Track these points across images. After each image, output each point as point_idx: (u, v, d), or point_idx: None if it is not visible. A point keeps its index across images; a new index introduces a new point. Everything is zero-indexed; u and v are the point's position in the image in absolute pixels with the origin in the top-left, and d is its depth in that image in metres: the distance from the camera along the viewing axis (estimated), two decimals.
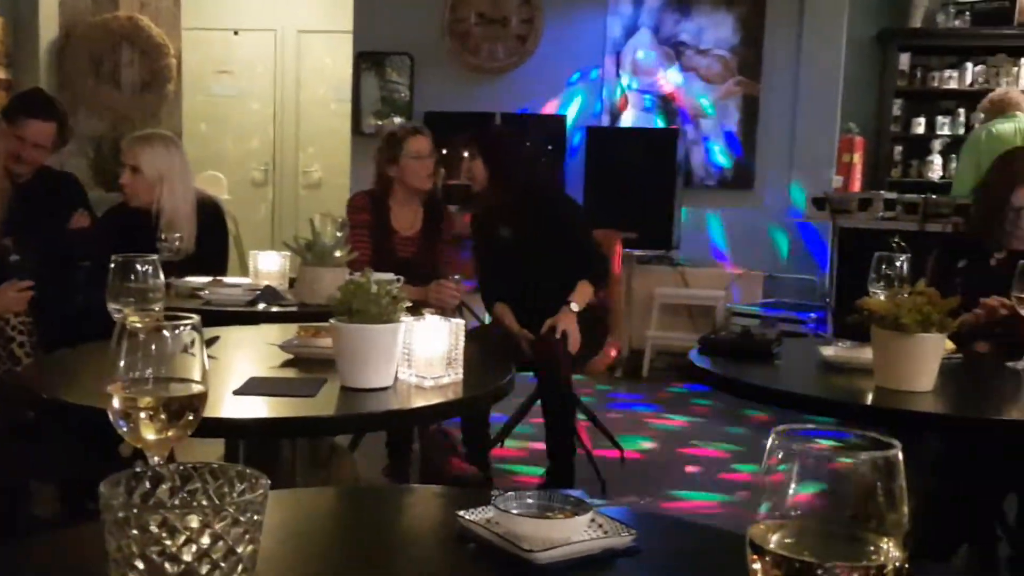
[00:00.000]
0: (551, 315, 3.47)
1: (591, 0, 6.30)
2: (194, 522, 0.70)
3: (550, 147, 6.20)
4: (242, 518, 0.73)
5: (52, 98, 3.84)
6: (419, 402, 1.92)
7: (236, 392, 1.86)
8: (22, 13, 6.71)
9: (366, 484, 3.56)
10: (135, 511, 0.70)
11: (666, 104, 6.33)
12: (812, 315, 5.46)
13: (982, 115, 5.76)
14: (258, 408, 1.82)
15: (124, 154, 3.57)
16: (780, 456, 0.72)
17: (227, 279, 3.38)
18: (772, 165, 6.22)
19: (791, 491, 0.72)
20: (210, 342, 2.28)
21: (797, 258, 6.19)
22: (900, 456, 0.69)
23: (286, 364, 2.19)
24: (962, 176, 5.51)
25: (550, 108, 6.39)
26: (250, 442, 2.67)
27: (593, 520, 1.18)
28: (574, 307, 3.49)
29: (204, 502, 0.77)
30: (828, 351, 2.31)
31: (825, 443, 0.73)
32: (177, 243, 3.31)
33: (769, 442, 0.73)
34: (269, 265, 3.39)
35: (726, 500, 3.73)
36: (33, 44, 6.76)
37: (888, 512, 0.68)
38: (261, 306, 2.99)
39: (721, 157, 6.29)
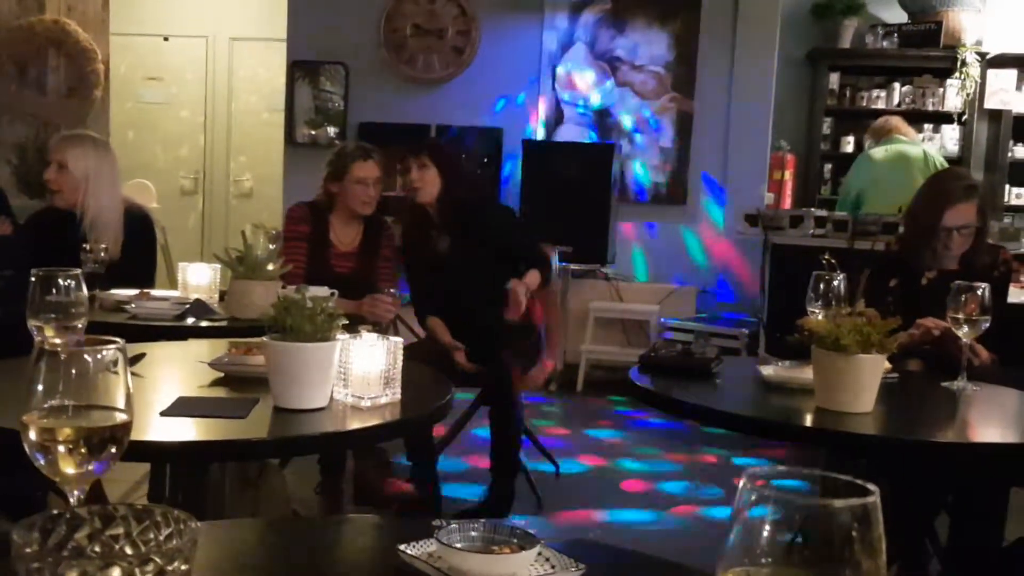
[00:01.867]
0: (485, 328, 3.43)
1: (527, 14, 6.31)
2: (116, 572, 0.64)
3: (485, 159, 6.18)
4: (169, 567, 0.67)
5: None
6: (356, 423, 1.86)
7: (163, 413, 1.78)
8: None
9: (298, 503, 3.48)
10: (50, 560, 0.64)
11: (601, 119, 6.35)
12: (745, 331, 5.51)
13: (868, 140, 5.93)
14: (186, 431, 1.74)
15: (51, 151, 3.48)
16: (753, 499, 0.68)
17: (154, 292, 3.27)
18: (705, 181, 6.27)
19: (764, 537, 0.68)
20: (135, 359, 2.19)
21: (729, 274, 6.25)
22: (878, 503, 0.65)
23: (216, 383, 2.10)
24: (846, 193, 5.70)
25: (486, 120, 6.37)
26: (175, 465, 2.58)
27: (540, 554, 1.14)
28: (523, 283, 3.48)
29: (128, 550, 0.71)
30: (767, 370, 2.30)
31: (799, 488, 0.70)
32: (103, 253, 3.20)
33: (740, 485, 0.69)
34: (199, 278, 3.29)
35: (661, 518, 3.72)
36: None
37: (865, 560, 0.65)
38: (190, 321, 2.89)
39: (655, 172, 6.33)
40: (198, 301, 3.03)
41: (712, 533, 3.48)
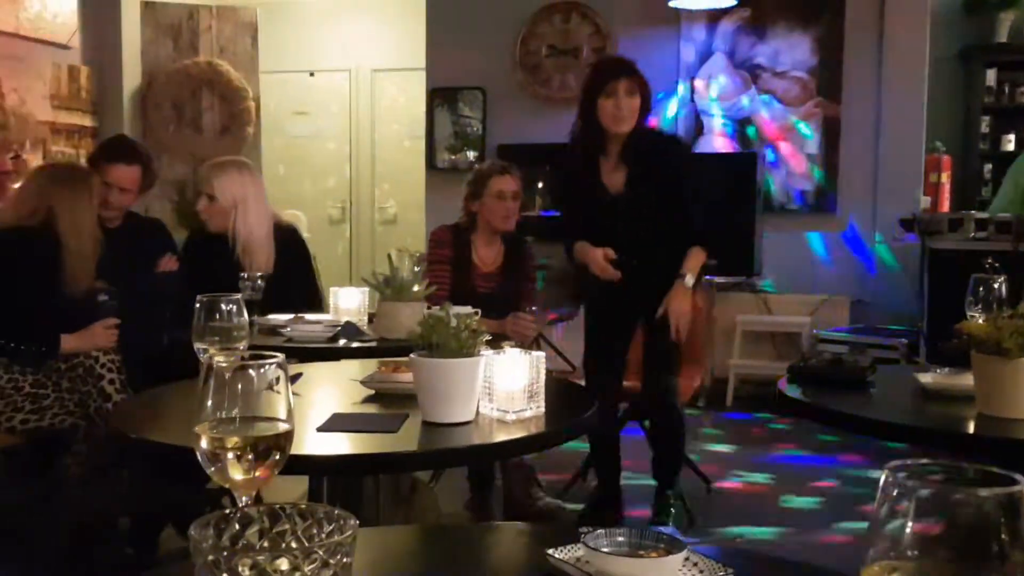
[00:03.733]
0: (641, 273, 3.40)
1: (663, 27, 6.28)
2: (284, 565, 0.68)
3: None
4: (332, 560, 0.71)
5: (135, 143, 3.95)
6: (501, 436, 1.90)
7: (320, 429, 1.86)
8: (106, 62, 6.93)
9: (448, 519, 3.55)
10: (225, 554, 0.69)
11: (743, 128, 6.26)
12: (903, 340, 5.30)
13: None
14: (342, 445, 1.81)
15: (200, 182, 3.68)
16: (895, 493, 0.68)
17: (308, 316, 3.41)
18: (856, 187, 6.08)
19: (907, 530, 0.67)
20: (294, 379, 2.29)
21: (885, 282, 6.03)
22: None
23: (368, 400, 2.18)
24: (1002, 196, 5.37)
25: None
26: (334, 478, 2.68)
27: (687, 559, 1.14)
28: (688, 280, 3.35)
29: (294, 544, 0.75)
30: (926, 378, 2.22)
31: (943, 479, 0.69)
32: (260, 281, 3.35)
33: (883, 478, 0.69)
34: (349, 301, 3.41)
35: (816, 531, 3.62)
36: (117, 92, 6.97)
37: (1013, 552, 0.63)
38: (342, 342, 3.00)
39: (802, 180, 6.19)
40: (349, 323, 3.15)
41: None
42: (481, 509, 3.61)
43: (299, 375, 2.41)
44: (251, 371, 1.02)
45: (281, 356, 1.05)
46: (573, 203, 3.65)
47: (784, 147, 6.20)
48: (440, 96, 6.67)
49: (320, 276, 6.94)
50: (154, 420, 2.16)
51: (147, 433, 1.95)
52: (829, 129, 6.12)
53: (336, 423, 1.91)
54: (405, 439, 1.85)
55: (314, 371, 2.53)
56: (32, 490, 3.51)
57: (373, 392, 2.23)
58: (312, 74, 8.54)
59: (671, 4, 5.95)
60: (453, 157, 6.67)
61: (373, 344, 3.00)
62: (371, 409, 2.11)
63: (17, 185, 4.93)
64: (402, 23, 7.98)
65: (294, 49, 8.38)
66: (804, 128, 6.16)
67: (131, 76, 7.04)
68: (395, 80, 8.37)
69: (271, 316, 3.26)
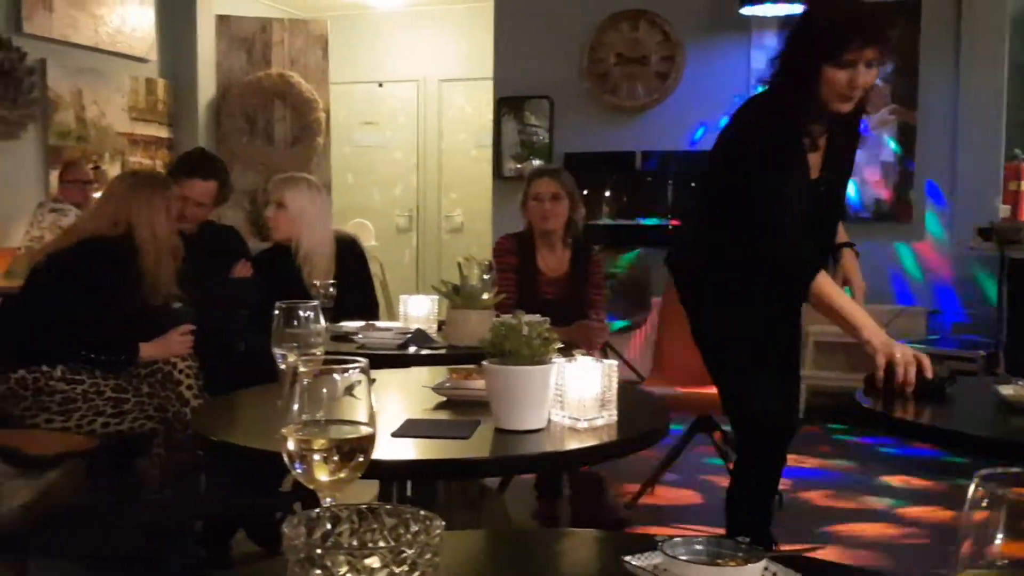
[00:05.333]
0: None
1: (734, 34, 6.23)
2: (375, 563, 0.70)
3: (693, 184, 6.13)
4: (420, 560, 0.73)
5: (213, 158, 4.04)
6: (573, 444, 1.90)
7: (394, 434, 1.88)
8: (182, 75, 7.11)
9: (516, 528, 3.55)
10: (318, 551, 0.71)
11: None
12: (981, 352, 5.18)
13: None
14: (415, 450, 1.83)
15: (271, 191, 3.80)
16: (985, 503, 0.67)
17: (378, 323, 3.46)
18: (932, 195, 5.96)
19: (997, 540, 0.66)
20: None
21: (962, 292, 5.89)
22: None
23: (439, 406, 2.20)
24: None
25: (692, 145, 6.31)
26: (403, 484, 2.71)
27: (767, 568, 1.13)
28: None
29: (382, 543, 0.77)
30: (1007, 390, 2.17)
31: None
32: (332, 289, 3.41)
33: (972, 487, 0.68)
34: (418, 309, 3.45)
35: (892, 544, 3.56)
36: (192, 104, 7.14)
37: None
38: (412, 349, 3.03)
39: (876, 188, 6.08)
40: (418, 331, 3.18)
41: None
42: (549, 519, 3.61)
43: (372, 381, 2.44)
44: (335, 375, 1.05)
45: (364, 360, 1.07)
46: (786, 190, 2.55)
47: (858, 155, 6.08)
48: (507, 105, 6.71)
49: (387, 285, 7.03)
50: (233, 424, 2.21)
51: (227, 436, 1.99)
52: (905, 136, 6.01)
53: (409, 429, 1.94)
54: (477, 445, 1.87)
55: (385, 377, 2.56)
56: (111, 492, 3.61)
57: (445, 399, 2.25)
58: (380, 85, 8.65)
59: (742, 11, 5.91)
60: (519, 166, 6.70)
61: (442, 351, 3.03)
62: (443, 415, 2.13)
63: (97, 195, 5.08)
64: (469, 33, 8.04)
65: (363, 60, 8.50)
66: (879, 135, 6.06)
67: (206, 88, 7.21)
68: (462, 90, 8.43)
69: (343, 323, 3.32)
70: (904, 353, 2.21)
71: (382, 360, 2.91)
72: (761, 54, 6.18)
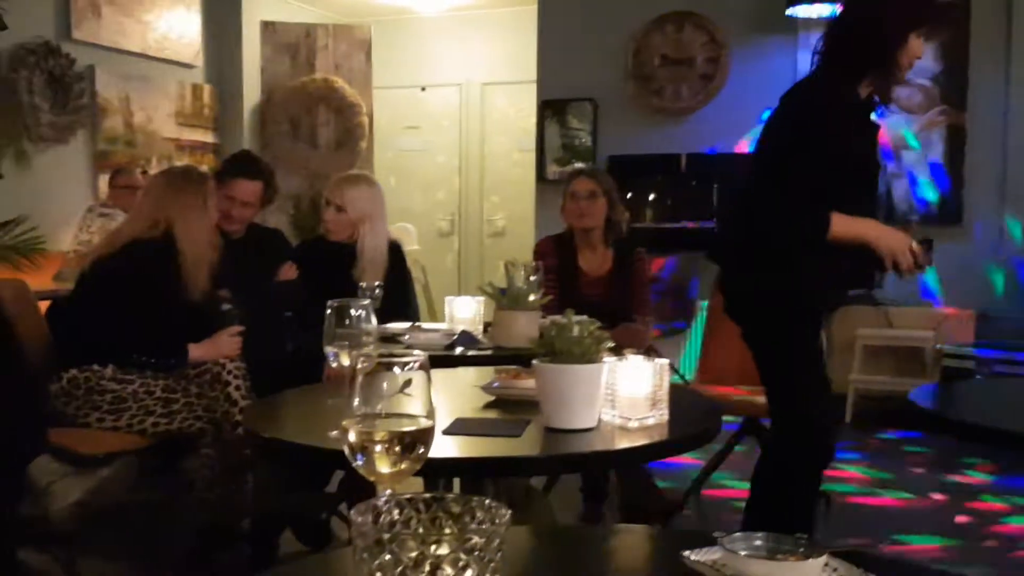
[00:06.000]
0: None
1: (780, 35, 6.18)
2: (444, 549, 0.70)
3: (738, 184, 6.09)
4: (487, 548, 0.72)
5: (259, 159, 4.08)
6: (624, 443, 1.89)
7: (445, 432, 1.88)
8: (228, 81, 7.19)
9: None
10: (387, 536, 0.71)
11: None
12: None
13: None
14: (467, 448, 1.83)
15: (330, 193, 3.74)
16: None
17: (425, 325, 3.47)
18: (982, 197, 5.86)
19: None
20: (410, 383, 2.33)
21: (1013, 295, 5.79)
22: None
23: (488, 406, 2.21)
24: None
25: (740, 146, 6.27)
26: (449, 483, 2.71)
27: (827, 564, 1.12)
28: None
29: (447, 532, 0.77)
30: None
31: None
32: (377, 290, 3.42)
33: None
34: (464, 311, 3.45)
35: (949, 543, 3.51)
36: (238, 109, 7.23)
37: None
38: (459, 350, 3.04)
39: (925, 190, 6.00)
40: (465, 332, 3.18)
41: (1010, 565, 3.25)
42: (595, 520, 3.60)
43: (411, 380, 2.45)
44: (395, 370, 1.05)
45: (424, 355, 1.07)
46: (840, 159, 2.59)
47: (907, 156, 6.02)
48: (550, 108, 6.71)
49: (430, 289, 7.05)
50: (283, 422, 2.23)
51: (277, 434, 2.01)
52: (954, 137, 5.92)
53: (460, 427, 1.94)
54: (528, 443, 1.87)
55: (433, 377, 2.56)
56: (161, 491, 3.65)
57: (493, 398, 2.25)
58: (423, 89, 8.69)
59: (788, 12, 5.86)
60: (562, 169, 6.70)
61: (489, 352, 3.03)
62: (492, 414, 2.13)
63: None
64: (512, 37, 8.05)
65: (406, 65, 8.54)
66: (927, 137, 5.98)
67: (251, 93, 7.29)
68: (505, 93, 8.45)
69: (390, 324, 3.33)
70: (903, 251, 2.52)
71: (430, 360, 2.92)
72: (808, 55, 6.11)
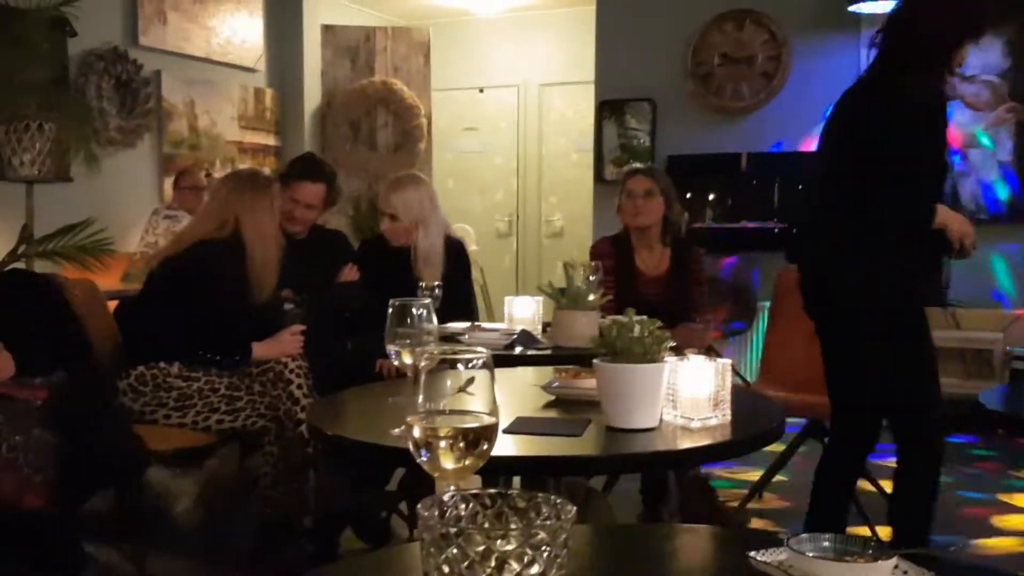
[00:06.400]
0: None
1: (842, 32, 6.08)
2: (511, 544, 0.70)
3: (800, 186, 6.01)
4: (553, 543, 0.72)
5: (322, 162, 4.12)
6: (686, 443, 1.88)
7: (505, 431, 1.88)
8: (289, 84, 7.28)
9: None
10: (454, 531, 0.71)
11: None
12: None
13: None
14: (528, 446, 1.83)
15: (381, 202, 3.76)
16: None
17: (484, 324, 3.47)
18: None
19: None
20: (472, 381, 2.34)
21: None
22: None
23: (548, 405, 2.20)
24: None
25: (803, 145, 6.17)
26: (508, 482, 2.71)
27: (897, 566, 1.10)
28: None
29: (513, 526, 0.77)
30: None
31: None
32: (437, 290, 3.43)
33: None
34: (523, 311, 3.46)
35: (1019, 545, 3.43)
36: (298, 112, 7.31)
37: None
38: (518, 350, 3.04)
39: (994, 189, 5.87)
40: (524, 331, 3.19)
41: None
42: (655, 522, 3.58)
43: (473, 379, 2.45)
44: (459, 367, 1.06)
45: (487, 352, 1.07)
46: (934, 155, 2.76)
47: (974, 154, 5.88)
48: (608, 108, 6.68)
49: (488, 290, 7.07)
50: (346, 420, 2.25)
51: (341, 431, 2.02)
52: (1022, 134, 5.78)
53: (521, 426, 1.94)
54: (589, 443, 1.86)
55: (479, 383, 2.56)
56: (225, 488, 3.71)
57: (553, 398, 2.25)
58: (481, 90, 8.71)
59: (851, 9, 5.77)
60: (619, 169, 6.66)
61: (548, 352, 3.03)
62: (553, 414, 2.13)
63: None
64: (570, 38, 8.05)
65: (464, 66, 8.57)
66: (996, 134, 5.84)
67: (311, 96, 7.37)
68: (563, 94, 8.44)
69: (449, 324, 3.34)
70: (970, 233, 2.67)
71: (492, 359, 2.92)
72: (872, 52, 6.02)
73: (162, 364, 3.11)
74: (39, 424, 2.43)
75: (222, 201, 3.28)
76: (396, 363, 1.94)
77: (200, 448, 3.17)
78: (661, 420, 1.93)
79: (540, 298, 3.49)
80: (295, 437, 3.04)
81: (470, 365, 1.06)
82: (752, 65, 6.27)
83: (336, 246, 4.04)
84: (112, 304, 3.63)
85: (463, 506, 0.78)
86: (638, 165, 3.93)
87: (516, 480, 2.19)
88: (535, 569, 0.71)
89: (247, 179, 3.39)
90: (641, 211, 3.72)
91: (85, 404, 2.70)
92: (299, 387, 3.08)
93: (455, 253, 3.81)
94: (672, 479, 3.53)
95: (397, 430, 1.89)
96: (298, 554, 3.15)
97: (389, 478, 3.50)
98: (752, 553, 1.12)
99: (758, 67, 6.25)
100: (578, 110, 8.12)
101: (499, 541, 0.70)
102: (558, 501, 0.78)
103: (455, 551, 0.70)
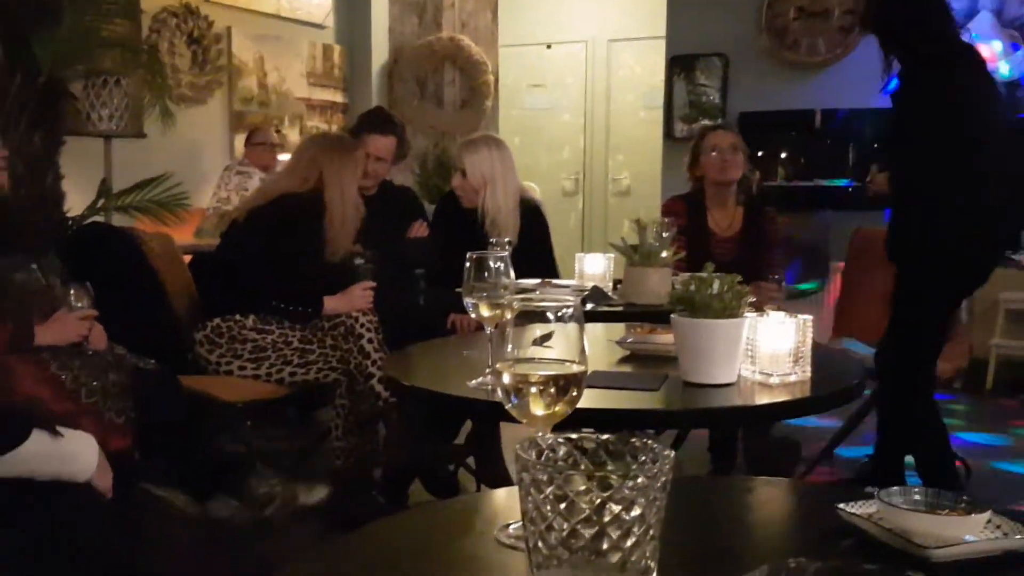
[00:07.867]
0: None
1: None
2: (611, 486, 0.70)
3: (876, 145, 5.86)
4: (652, 486, 0.72)
5: (391, 115, 4.14)
6: (765, 399, 1.86)
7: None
8: (356, 41, 7.29)
9: None
10: (551, 469, 0.71)
11: (1011, 91, 5.78)
12: None
13: None
14: (605, 400, 1.83)
15: (456, 158, 3.80)
16: None
17: (556, 281, 3.47)
18: None
19: None
20: (548, 337, 2.34)
21: None
22: None
23: (623, 360, 2.20)
24: None
25: (877, 101, 6.00)
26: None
27: (990, 520, 1.08)
28: None
29: (610, 467, 0.77)
30: None
31: None
32: (508, 247, 3.43)
33: None
34: (594, 267, 3.45)
35: None
36: (366, 69, 7.33)
37: None
38: (589, 306, 3.03)
39: None
40: (595, 288, 3.18)
41: None
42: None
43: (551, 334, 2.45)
44: (548, 313, 1.05)
45: (576, 299, 1.07)
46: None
47: None
48: (678, 64, 6.58)
49: (552, 248, 7.03)
50: (420, 372, 2.26)
51: (417, 381, 2.04)
52: None
53: (597, 380, 1.93)
54: (667, 397, 1.86)
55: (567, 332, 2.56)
56: (298, 439, 3.78)
57: (628, 353, 2.24)
58: (549, 46, 8.64)
59: None
60: (689, 127, 6.57)
61: (620, 308, 3.02)
62: (628, 368, 2.12)
63: (282, 157, 5.28)
64: None
65: (531, 22, 8.49)
66: None
67: (379, 53, 7.38)
68: (631, 50, 8.32)
69: (520, 280, 3.33)
70: None
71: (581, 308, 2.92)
72: (955, 5, 5.83)
73: (238, 316, 3.16)
74: (113, 369, 2.49)
75: (310, 158, 3.34)
76: (473, 315, 1.94)
77: (272, 400, 3.23)
78: (739, 376, 1.91)
79: (611, 255, 3.47)
80: (365, 390, 3.08)
81: (559, 315, 1.05)
82: (829, 19, 6.10)
83: (406, 202, 4.06)
84: (187, 258, 3.70)
85: (562, 449, 0.77)
86: (709, 123, 3.85)
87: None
88: (635, 511, 0.71)
89: (336, 140, 3.50)
90: (729, 165, 3.66)
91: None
92: (369, 341, 3.11)
93: (530, 216, 3.79)
94: (740, 447, 3.49)
95: (474, 381, 1.90)
96: (368, 505, 3.20)
97: (457, 432, 3.53)
98: (841, 505, 1.10)
99: (835, 21, 6.09)
100: (647, 66, 8.00)
101: (599, 483, 0.70)
102: (656, 446, 0.77)
103: (556, 492, 0.70)
